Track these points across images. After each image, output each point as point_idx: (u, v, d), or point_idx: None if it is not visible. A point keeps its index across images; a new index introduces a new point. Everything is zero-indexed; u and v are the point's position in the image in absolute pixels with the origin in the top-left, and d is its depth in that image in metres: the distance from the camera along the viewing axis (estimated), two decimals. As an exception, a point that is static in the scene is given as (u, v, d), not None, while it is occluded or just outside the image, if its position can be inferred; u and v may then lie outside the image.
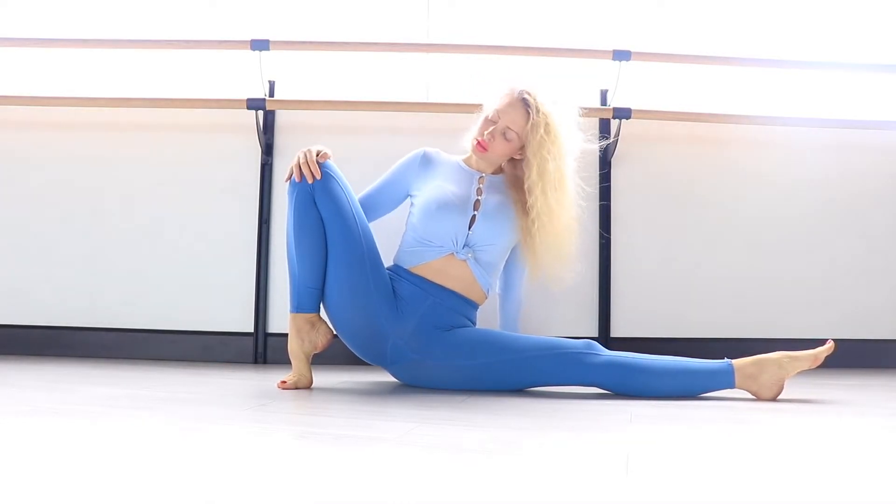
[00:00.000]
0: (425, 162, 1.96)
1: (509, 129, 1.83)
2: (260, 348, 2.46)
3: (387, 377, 2.09)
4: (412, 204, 1.95)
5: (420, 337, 1.79)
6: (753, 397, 1.72)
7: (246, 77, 2.48)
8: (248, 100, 2.39)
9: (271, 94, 2.52)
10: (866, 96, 2.62)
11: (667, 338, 2.50)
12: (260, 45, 2.38)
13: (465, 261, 1.84)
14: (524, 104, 1.82)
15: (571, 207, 1.87)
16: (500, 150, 1.86)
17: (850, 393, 1.86)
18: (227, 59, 2.52)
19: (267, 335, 2.48)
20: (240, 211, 2.51)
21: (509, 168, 1.95)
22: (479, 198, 1.88)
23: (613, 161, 2.52)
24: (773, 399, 1.68)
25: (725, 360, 1.71)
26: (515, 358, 1.74)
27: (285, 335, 2.49)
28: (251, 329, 2.47)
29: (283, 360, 2.45)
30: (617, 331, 2.50)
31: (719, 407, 1.59)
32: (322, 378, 2.07)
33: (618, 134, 2.45)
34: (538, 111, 1.80)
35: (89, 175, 2.53)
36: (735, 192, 2.58)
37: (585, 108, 2.49)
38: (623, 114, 2.41)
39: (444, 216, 1.83)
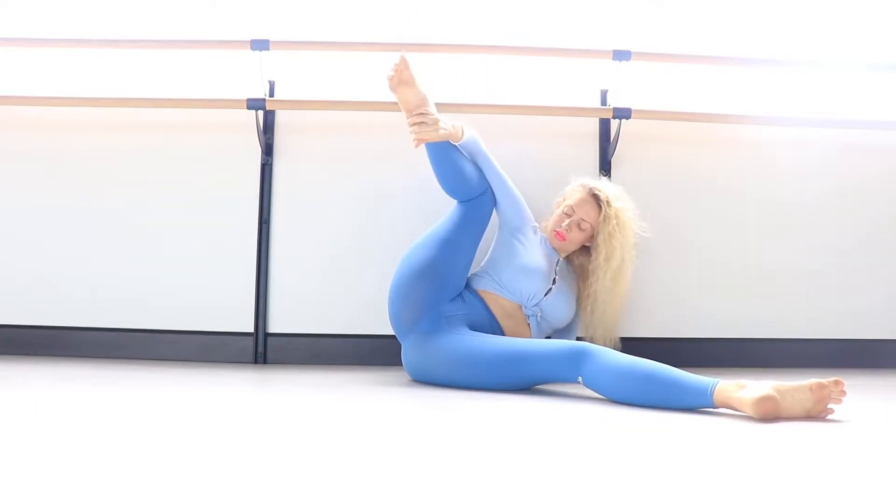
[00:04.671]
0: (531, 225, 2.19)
1: (583, 220, 2.10)
2: (260, 348, 2.46)
3: (384, 380, 2.09)
4: (505, 234, 2.13)
5: (456, 322, 1.97)
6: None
7: (246, 77, 2.47)
8: (248, 100, 2.39)
9: (271, 94, 2.52)
10: (867, 96, 2.61)
11: (666, 337, 2.50)
12: (260, 45, 2.37)
13: (529, 316, 2.05)
14: (595, 199, 2.10)
15: (626, 287, 2.13)
16: (575, 239, 2.12)
17: (850, 393, 1.86)
18: (227, 59, 2.52)
19: (267, 335, 2.48)
20: (240, 211, 2.50)
21: (576, 257, 2.20)
22: (556, 276, 2.11)
23: (613, 161, 2.52)
24: (760, 416, 1.41)
25: (714, 379, 1.53)
26: (524, 347, 1.83)
27: (285, 335, 2.51)
28: (251, 329, 2.47)
29: (283, 360, 2.46)
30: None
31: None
32: (322, 379, 2.07)
33: (618, 134, 2.45)
34: (609, 205, 2.08)
35: (89, 175, 2.52)
36: (734, 192, 2.58)
37: (585, 108, 2.52)
38: (623, 114, 2.41)
39: (530, 279, 2.04)
